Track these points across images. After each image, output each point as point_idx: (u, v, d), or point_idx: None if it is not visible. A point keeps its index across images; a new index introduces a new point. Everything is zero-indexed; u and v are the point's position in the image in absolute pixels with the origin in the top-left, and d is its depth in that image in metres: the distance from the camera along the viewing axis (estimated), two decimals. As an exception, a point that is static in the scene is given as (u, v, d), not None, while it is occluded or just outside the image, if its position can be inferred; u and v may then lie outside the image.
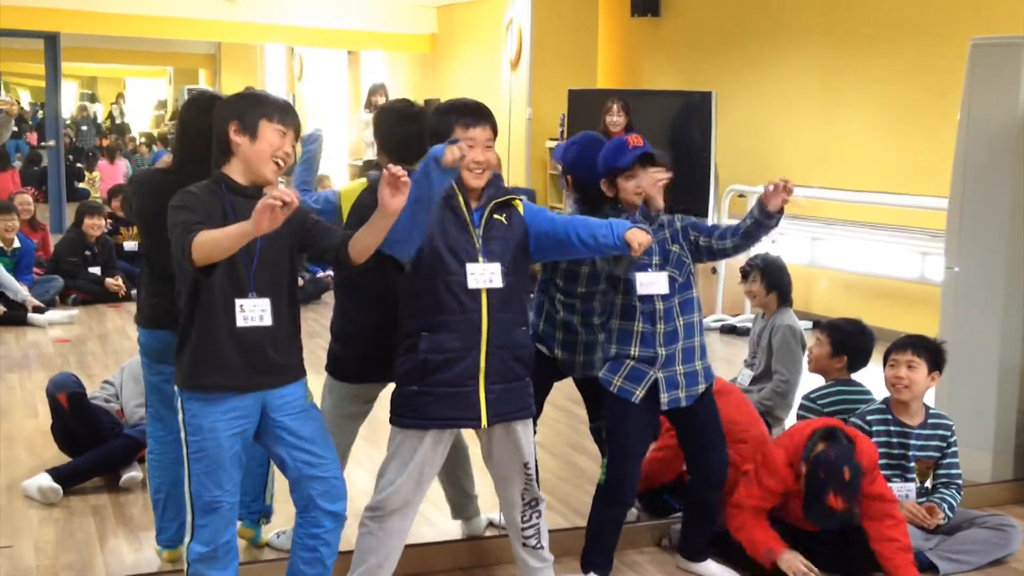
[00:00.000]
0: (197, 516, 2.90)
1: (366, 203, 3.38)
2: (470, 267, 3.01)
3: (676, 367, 3.46)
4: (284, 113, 2.88)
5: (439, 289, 3.01)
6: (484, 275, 3.02)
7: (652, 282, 3.42)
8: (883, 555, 3.61)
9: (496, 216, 3.10)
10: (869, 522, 3.62)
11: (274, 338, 2.89)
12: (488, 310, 3.03)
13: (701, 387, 3.52)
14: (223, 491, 2.88)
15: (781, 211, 3.29)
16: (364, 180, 3.59)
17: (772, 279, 4.74)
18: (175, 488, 3.53)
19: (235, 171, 2.87)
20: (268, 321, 2.85)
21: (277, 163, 2.87)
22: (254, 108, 2.85)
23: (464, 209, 3.06)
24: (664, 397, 3.44)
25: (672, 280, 3.45)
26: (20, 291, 7.64)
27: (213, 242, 2.64)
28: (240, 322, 2.82)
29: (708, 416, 3.58)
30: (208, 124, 3.03)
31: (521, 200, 3.19)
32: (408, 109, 3.61)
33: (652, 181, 3.43)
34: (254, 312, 2.84)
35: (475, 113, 3.09)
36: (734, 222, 3.48)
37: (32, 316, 7.52)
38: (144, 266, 3.50)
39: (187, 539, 2.94)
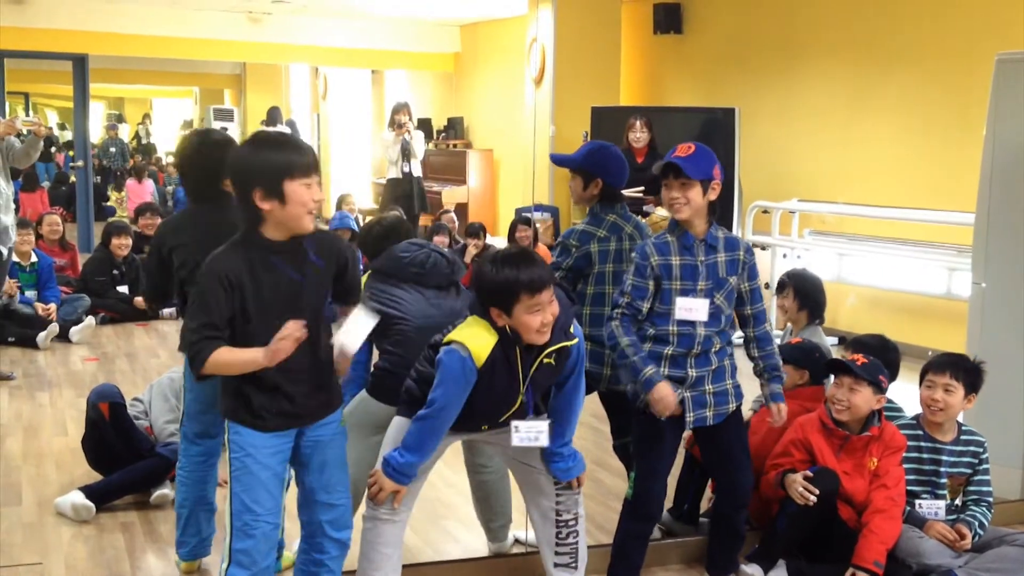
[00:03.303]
0: (235, 540, 2.87)
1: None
2: (516, 424, 3.07)
3: (706, 387, 3.44)
4: (303, 159, 2.74)
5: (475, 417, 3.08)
6: (530, 433, 3.08)
7: (692, 308, 3.39)
8: (866, 527, 3.66)
9: (547, 360, 3.04)
10: (871, 500, 3.71)
11: (311, 378, 2.88)
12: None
13: (731, 406, 3.51)
14: (264, 510, 2.85)
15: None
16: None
17: (806, 297, 4.68)
18: (198, 506, 3.63)
19: (270, 230, 2.77)
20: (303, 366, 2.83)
21: (312, 213, 2.78)
22: (273, 170, 2.70)
23: (518, 363, 3.01)
24: (690, 416, 3.43)
25: (718, 311, 3.42)
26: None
27: (223, 366, 2.74)
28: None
29: (734, 435, 3.57)
30: (203, 163, 3.30)
31: (576, 339, 3.11)
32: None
33: (667, 198, 3.41)
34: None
35: (538, 279, 2.90)
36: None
37: (40, 338, 7.43)
38: (180, 301, 3.55)
39: (224, 565, 2.91)
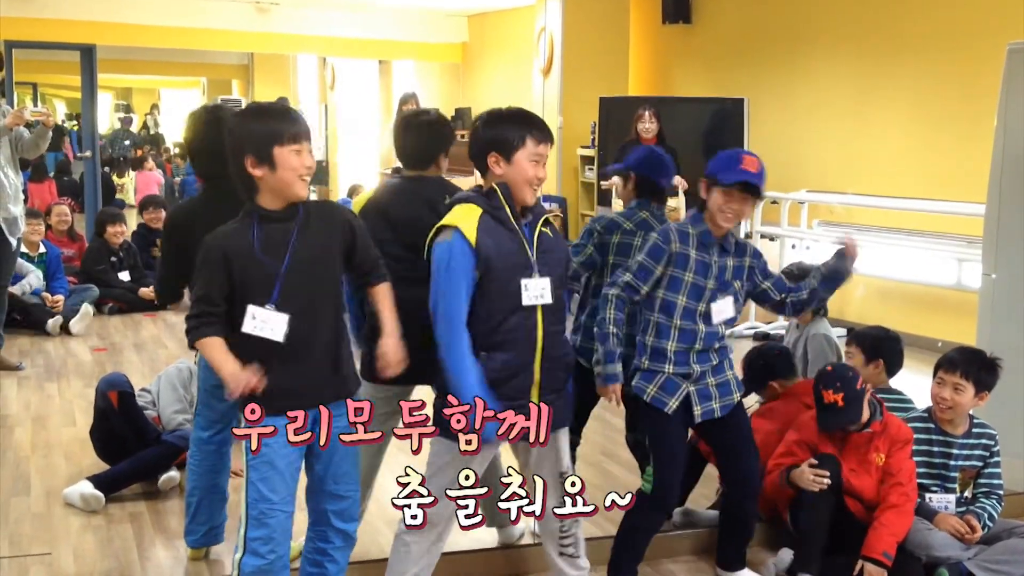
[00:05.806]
0: (251, 528, 2.86)
1: (376, 201, 3.55)
2: (524, 282, 2.95)
3: (708, 379, 3.46)
4: (292, 128, 2.77)
5: (501, 310, 2.95)
6: (536, 290, 2.98)
7: (722, 310, 3.44)
8: (877, 520, 3.66)
9: (544, 229, 3.07)
10: (886, 497, 3.70)
11: (322, 358, 2.86)
12: (544, 324, 3.00)
13: (735, 396, 3.53)
14: (280, 499, 2.85)
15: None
16: (375, 188, 3.68)
17: None
18: (208, 495, 3.64)
19: (266, 200, 2.81)
20: (279, 336, 2.78)
21: (304, 179, 2.80)
22: (263, 137, 2.74)
23: (515, 224, 3.00)
24: (697, 410, 3.44)
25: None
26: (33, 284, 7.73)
27: (207, 355, 2.83)
28: (247, 329, 2.77)
29: (739, 426, 3.57)
30: (210, 137, 3.23)
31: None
32: (421, 118, 3.67)
33: (735, 211, 3.36)
34: (265, 325, 2.78)
35: (545, 129, 3.00)
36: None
37: (49, 324, 7.48)
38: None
39: (238, 555, 2.89)
